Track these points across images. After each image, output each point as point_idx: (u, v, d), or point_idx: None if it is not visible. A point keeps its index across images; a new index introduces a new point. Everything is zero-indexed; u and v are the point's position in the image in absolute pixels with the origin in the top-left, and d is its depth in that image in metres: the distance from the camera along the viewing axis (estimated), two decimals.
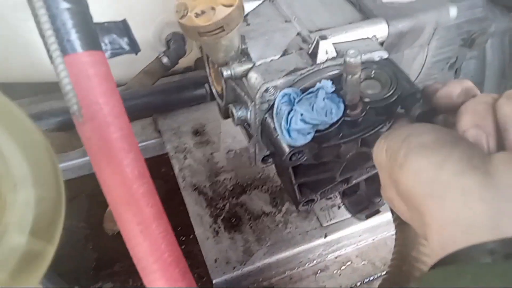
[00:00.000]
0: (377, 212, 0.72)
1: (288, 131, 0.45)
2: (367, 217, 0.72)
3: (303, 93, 0.47)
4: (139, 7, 1.09)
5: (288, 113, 0.45)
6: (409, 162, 0.30)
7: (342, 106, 0.45)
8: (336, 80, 0.46)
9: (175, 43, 1.11)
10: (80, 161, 0.96)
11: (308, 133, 0.46)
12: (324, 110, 0.44)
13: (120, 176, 0.33)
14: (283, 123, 0.46)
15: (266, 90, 0.51)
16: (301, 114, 0.44)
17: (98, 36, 0.33)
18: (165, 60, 1.09)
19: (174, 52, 1.09)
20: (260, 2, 0.60)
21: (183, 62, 1.25)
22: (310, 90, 0.46)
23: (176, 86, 0.99)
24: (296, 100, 0.46)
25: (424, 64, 0.66)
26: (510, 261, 0.23)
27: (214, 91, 0.67)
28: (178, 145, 0.92)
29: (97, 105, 0.32)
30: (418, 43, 0.62)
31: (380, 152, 0.35)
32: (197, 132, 0.95)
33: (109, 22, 0.35)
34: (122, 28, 0.36)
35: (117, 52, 0.36)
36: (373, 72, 0.48)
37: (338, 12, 0.59)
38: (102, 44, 0.35)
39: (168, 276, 0.36)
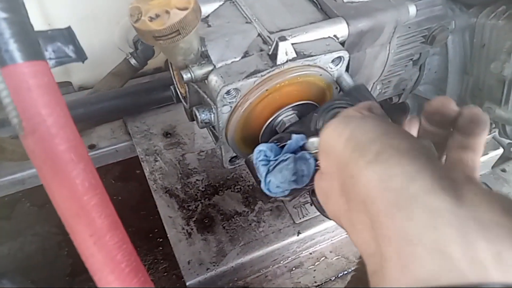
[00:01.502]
0: None
1: (268, 189, 0.50)
2: None
3: (277, 143, 0.50)
4: (104, 8, 1.07)
5: (266, 175, 0.49)
6: (381, 163, 0.27)
7: (312, 162, 0.47)
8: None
9: (143, 44, 1.09)
10: None
11: (286, 190, 0.50)
12: (295, 177, 0.48)
13: (69, 189, 0.32)
14: (262, 184, 0.50)
15: (228, 93, 0.51)
16: (276, 185, 0.49)
17: (39, 45, 0.32)
18: (133, 61, 1.07)
19: (142, 53, 1.08)
20: (222, 3, 0.60)
21: (153, 63, 1.24)
22: (281, 158, 0.49)
23: (144, 87, 0.98)
24: (271, 165, 0.49)
25: (386, 62, 0.67)
26: None
27: (179, 92, 0.67)
28: (148, 148, 0.91)
29: (39, 117, 0.31)
30: (379, 42, 0.62)
31: (337, 138, 0.32)
32: (167, 134, 0.94)
33: (52, 30, 0.34)
34: (67, 35, 0.35)
35: (62, 60, 0.35)
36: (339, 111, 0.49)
37: (299, 12, 0.59)
38: (46, 53, 0.34)
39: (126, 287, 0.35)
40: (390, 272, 0.25)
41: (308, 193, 0.72)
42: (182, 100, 0.66)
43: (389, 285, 0.25)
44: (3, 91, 0.29)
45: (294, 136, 0.49)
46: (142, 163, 0.88)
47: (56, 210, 0.34)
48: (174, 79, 0.67)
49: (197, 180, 0.85)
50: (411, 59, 0.73)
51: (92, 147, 1.00)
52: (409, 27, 0.65)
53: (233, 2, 0.59)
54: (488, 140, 0.96)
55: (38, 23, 0.99)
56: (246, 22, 0.57)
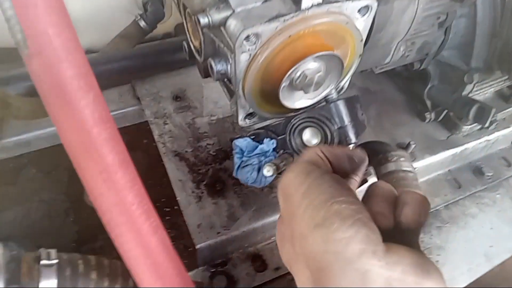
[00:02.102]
0: (364, 181, 0.70)
1: (239, 179, 0.67)
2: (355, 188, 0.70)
3: (253, 138, 0.62)
4: None
5: (237, 168, 0.65)
6: (325, 227, 0.33)
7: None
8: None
9: (153, 5, 1.05)
10: (55, 129, 0.91)
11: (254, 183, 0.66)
12: (257, 180, 0.64)
13: (78, 119, 0.29)
14: (234, 173, 0.67)
15: (247, 38, 0.47)
16: (244, 180, 0.66)
17: None
18: (142, 23, 1.03)
19: (151, 15, 1.04)
20: None
21: (162, 28, 1.19)
22: (249, 161, 0.63)
23: (154, 49, 0.94)
24: (242, 161, 0.65)
25: (414, 19, 0.62)
26: None
27: (192, 47, 0.63)
28: (157, 111, 0.88)
29: (46, 37, 0.28)
30: None
31: (296, 189, 0.37)
32: (177, 97, 0.91)
33: None
34: None
35: None
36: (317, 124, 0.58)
37: None
38: None
39: (136, 230, 0.33)
40: None
41: None
42: (196, 54, 0.62)
43: None
44: (5, 1, 0.26)
45: (265, 140, 0.60)
46: (151, 126, 0.85)
47: (63, 144, 0.31)
48: (187, 32, 0.63)
49: (208, 144, 0.82)
50: (439, 18, 0.68)
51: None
52: None
53: None
54: (508, 114, 0.92)
55: None
56: None
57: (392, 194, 0.40)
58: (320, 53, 0.50)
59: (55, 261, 0.38)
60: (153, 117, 0.87)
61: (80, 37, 0.94)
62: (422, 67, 0.83)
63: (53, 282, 0.37)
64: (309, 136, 0.59)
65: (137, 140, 1.46)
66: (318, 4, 0.47)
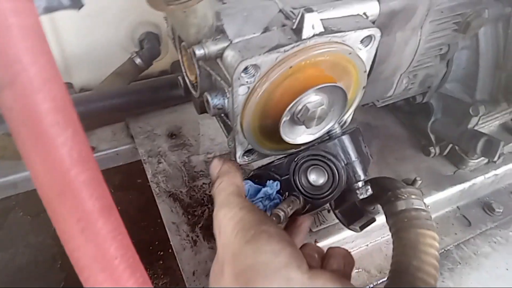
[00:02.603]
0: (372, 221, 0.66)
1: None
2: (362, 228, 0.65)
3: (255, 182, 0.56)
4: (110, 4, 1.02)
5: None
6: (255, 242, 0.39)
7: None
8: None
9: (149, 42, 1.04)
10: None
11: None
12: None
13: (53, 159, 0.25)
14: None
15: (245, 70, 0.44)
16: None
17: None
18: (138, 60, 1.02)
19: (147, 52, 1.03)
20: None
21: (158, 66, 1.18)
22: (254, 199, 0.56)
23: (149, 86, 0.92)
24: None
25: (417, 50, 0.60)
26: None
27: (188, 81, 0.60)
28: (151, 149, 0.84)
29: (19, 65, 0.24)
30: (410, 25, 0.56)
31: (229, 221, 0.43)
32: (172, 135, 0.87)
33: None
34: None
35: (53, 6, 0.29)
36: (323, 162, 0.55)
37: None
38: None
39: None
40: None
41: (330, 207, 0.66)
42: (191, 89, 0.60)
43: None
44: None
45: (268, 182, 0.55)
46: (144, 165, 0.81)
47: (36, 187, 0.27)
48: (183, 67, 0.61)
49: (203, 183, 0.78)
50: (441, 49, 0.67)
51: (91, 149, 0.93)
52: (442, 12, 0.59)
53: None
54: None
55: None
56: None
57: (321, 250, 0.48)
58: (323, 85, 0.47)
59: None
60: (146, 156, 0.83)
61: (75, 74, 0.92)
62: (424, 100, 0.81)
63: None
64: (316, 176, 0.55)
65: (131, 180, 1.41)
66: (320, 34, 0.45)
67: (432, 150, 0.87)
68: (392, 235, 0.57)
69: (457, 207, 0.89)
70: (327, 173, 0.54)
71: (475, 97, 0.75)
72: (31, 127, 0.25)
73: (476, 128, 0.80)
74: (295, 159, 0.55)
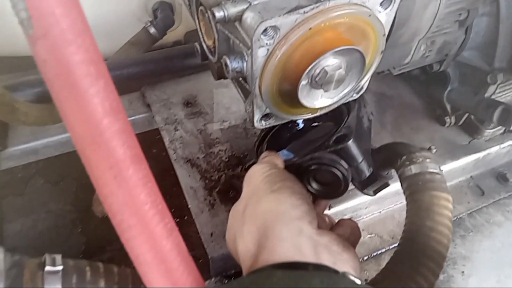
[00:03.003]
0: (386, 185, 0.67)
1: None
2: (375, 192, 0.66)
3: None
4: None
5: None
6: (278, 193, 0.44)
7: None
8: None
9: (162, 12, 1.04)
10: (63, 137, 0.89)
11: None
12: None
13: (86, 109, 0.27)
14: None
15: (265, 32, 0.44)
16: None
17: None
18: (152, 30, 1.02)
19: (161, 21, 1.03)
20: None
21: (172, 36, 1.18)
22: None
23: (164, 55, 0.92)
24: None
25: (436, 14, 0.60)
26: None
27: (205, 47, 0.61)
28: (168, 117, 0.86)
29: (52, 17, 0.25)
30: None
31: (261, 174, 0.48)
32: (188, 103, 0.88)
33: None
34: None
35: None
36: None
37: None
38: None
39: (149, 233, 0.30)
40: (262, 256, 0.38)
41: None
42: (209, 54, 0.60)
43: (259, 265, 0.37)
44: None
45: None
46: (161, 132, 0.83)
47: (71, 136, 0.28)
48: (200, 32, 0.61)
49: (220, 150, 0.79)
50: (460, 15, 0.66)
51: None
52: None
53: None
54: None
55: None
56: None
57: (333, 219, 0.54)
58: (342, 47, 0.47)
59: (60, 268, 0.35)
60: (163, 124, 0.85)
61: None
62: (441, 69, 0.80)
63: None
64: (320, 178, 0.57)
65: (146, 149, 1.43)
66: None
67: (448, 120, 0.87)
68: (406, 198, 0.58)
69: (471, 176, 0.89)
70: (333, 175, 0.56)
71: (494, 65, 0.74)
72: (64, 78, 0.26)
73: (493, 97, 0.80)
74: (300, 164, 0.56)
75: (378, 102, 0.93)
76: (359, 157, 0.57)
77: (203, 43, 0.62)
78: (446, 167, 0.83)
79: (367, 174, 0.58)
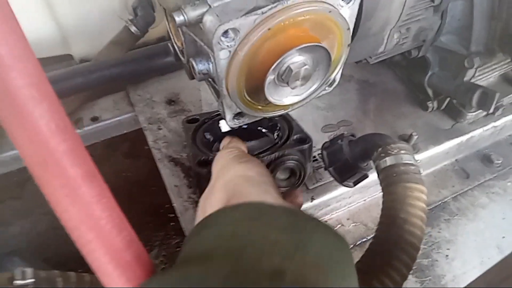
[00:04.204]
0: (365, 177, 0.67)
1: None
2: (355, 183, 0.67)
3: None
4: None
5: None
6: (246, 163, 0.48)
7: None
8: None
9: (142, 9, 1.04)
10: None
11: None
12: None
13: (32, 131, 0.27)
14: None
15: (225, 34, 0.45)
16: None
17: None
18: (133, 28, 1.02)
19: (141, 19, 1.02)
20: None
21: (155, 32, 1.18)
22: None
23: (145, 54, 0.93)
24: None
25: (405, 3, 0.59)
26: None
27: (176, 48, 0.61)
28: (151, 116, 0.86)
29: None
30: None
31: (229, 154, 0.52)
32: (171, 102, 0.89)
33: None
34: None
35: None
36: None
37: None
38: None
39: (108, 246, 0.31)
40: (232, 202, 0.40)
41: (324, 164, 0.68)
42: (180, 55, 0.60)
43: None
44: None
45: None
46: (144, 132, 0.84)
47: (23, 158, 0.29)
48: (170, 33, 0.61)
49: None
50: (433, 1, 0.65)
51: (95, 119, 0.96)
52: None
53: None
54: None
55: None
56: None
57: None
58: (304, 45, 0.47)
59: (31, 281, 0.36)
60: (147, 123, 0.85)
61: (74, 46, 0.93)
62: (420, 55, 0.80)
63: None
64: (279, 173, 0.65)
65: (139, 146, 1.44)
66: None
67: (430, 105, 0.87)
68: (382, 190, 0.59)
69: (456, 160, 0.90)
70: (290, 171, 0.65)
71: (471, 49, 0.74)
72: (8, 103, 0.27)
73: (474, 80, 0.80)
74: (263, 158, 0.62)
75: (361, 90, 0.93)
76: (310, 158, 0.66)
77: (174, 44, 0.62)
78: (429, 152, 0.83)
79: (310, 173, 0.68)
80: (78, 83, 0.86)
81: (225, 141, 0.61)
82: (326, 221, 0.79)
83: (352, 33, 0.59)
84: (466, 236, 0.77)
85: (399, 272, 0.49)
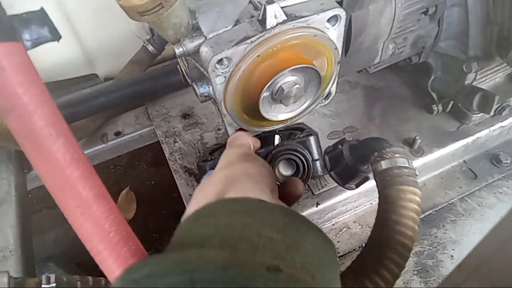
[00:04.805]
0: (366, 179, 0.70)
1: None
2: (357, 185, 0.71)
3: None
4: None
5: None
6: (249, 161, 0.47)
7: None
8: None
9: None
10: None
11: None
12: None
13: (51, 163, 0.34)
14: None
15: (220, 62, 0.50)
16: None
17: (12, 28, 0.33)
18: (150, 48, 1.09)
19: (158, 38, 1.09)
20: None
21: (171, 49, 1.25)
22: None
23: (161, 72, 0.99)
24: None
25: (394, 18, 0.63)
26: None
27: (183, 71, 0.67)
28: (167, 130, 0.93)
29: (15, 96, 0.32)
30: None
31: (236, 152, 0.51)
32: (185, 115, 0.95)
33: (27, 13, 0.35)
34: (41, 17, 0.36)
35: (39, 41, 0.36)
36: None
37: None
38: (24, 35, 0.35)
39: (116, 255, 0.36)
40: (229, 195, 0.40)
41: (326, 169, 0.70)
42: (187, 78, 0.66)
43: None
44: None
45: None
46: (162, 145, 0.90)
47: (44, 184, 0.35)
48: (178, 59, 0.67)
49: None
50: (423, 12, 0.68)
51: (118, 133, 1.03)
52: None
53: None
54: None
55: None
56: None
57: None
58: (293, 67, 0.52)
59: (53, 285, 0.43)
60: (164, 137, 0.92)
61: (98, 66, 1.02)
62: (421, 60, 0.82)
63: None
64: (283, 168, 0.62)
65: (162, 156, 1.52)
66: (283, 22, 0.50)
67: (435, 108, 0.89)
68: (378, 194, 0.62)
69: (464, 161, 0.91)
70: (295, 166, 0.62)
71: (469, 53, 0.76)
72: (32, 140, 0.33)
73: (475, 83, 0.81)
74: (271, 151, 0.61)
75: (367, 96, 0.96)
76: (316, 155, 0.63)
77: (181, 68, 0.68)
78: (436, 154, 0.85)
79: (321, 174, 0.64)
80: (101, 102, 0.94)
81: (234, 135, 0.59)
82: (333, 224, 0.83)
83: (346, 48, 0.63)
84: (472, 237, 0.79)
85: (390, 271, 0.52)
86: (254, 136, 0.60)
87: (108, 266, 0.37)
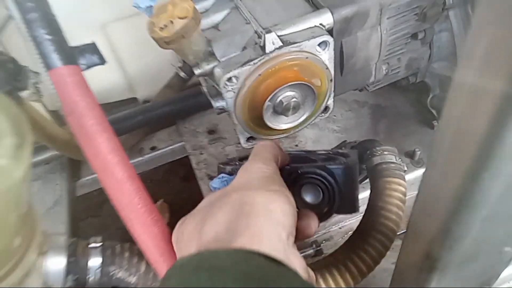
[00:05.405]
0: (366, 177, 0.77)
1: None
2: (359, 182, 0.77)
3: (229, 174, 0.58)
4: None
5: None
6: (270, 192, 0.41)
7: None
8: None
9: None
10: None
11: None
12: None
13: (96, 150, 0.46)
14: None
15: (229, 80, 0.62)
16: None
17: (73, 55, 0.47)
18: (182, 74, 1.24)
19: (187, 66, 1.25)
20: (229, 11, 0.72)
21: None
22: None
23: (191, 94, 1.14)
24: None
25: (381, 43, 0.73)
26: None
27: (205, 90, 0.80)
28: (195, 144, 1.06)
29: (74, 103, 0.46)
30: (368, 25, 0.69)
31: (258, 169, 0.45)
32: (211, 132, 1.08)
33: (83, 45, 0.50)
34: (93, 48, 0.51)
35: (90, 65, 0.51)
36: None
37: (291, 8, 0.69)
38: (80, 60, 0.49)
39: (142, 223, 0.48)
40: (241, 240, 0.36)
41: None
42: (207, 95, 0.79)
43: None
44: (51, 85, 0.44)
45: None
46: (189, 157, 1.03)
47: (92, 166, 0.48)
48: (199, 78, 0.80)
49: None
50: (413, 37, 0.78)
51: (153, 148, 1.18)
52: (399, 8, 0.71)
53: (237, 8, 0.71)
54: None
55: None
56: (246, 23, 0.68)
57: None
58: (290, 83, 0.63)
59: (99, 244, 0.56)
60: (191, 149, 1.05)
61: (137, 90, 1.20)
62: (418, 80, 0.91)
63: (98, 259, 0.55)
64: (305, 193, 0.50)
65: (188, 169, 1.65)
66: (280, 47, 0.62)
67: (435, 123, 0.97)
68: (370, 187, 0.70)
69: None
70: (320, 194, 0.50)
71: None
72: (85, 134, 0.47)
73: None
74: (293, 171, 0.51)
75: (373, 114, 1.05)
76: (347, 189, 0.51)
77: (204, 89, 0.81)
78: None
79: (347, 212, 0.54)
80: (139, 121, 1.09)
81: (262, 144, 0.50)
82: (339, 228, 0.92)
83: (341, 68, 0.74)
84: None
85: (375, 248, 0.60)
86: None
87: (135, 231, 0.49)
